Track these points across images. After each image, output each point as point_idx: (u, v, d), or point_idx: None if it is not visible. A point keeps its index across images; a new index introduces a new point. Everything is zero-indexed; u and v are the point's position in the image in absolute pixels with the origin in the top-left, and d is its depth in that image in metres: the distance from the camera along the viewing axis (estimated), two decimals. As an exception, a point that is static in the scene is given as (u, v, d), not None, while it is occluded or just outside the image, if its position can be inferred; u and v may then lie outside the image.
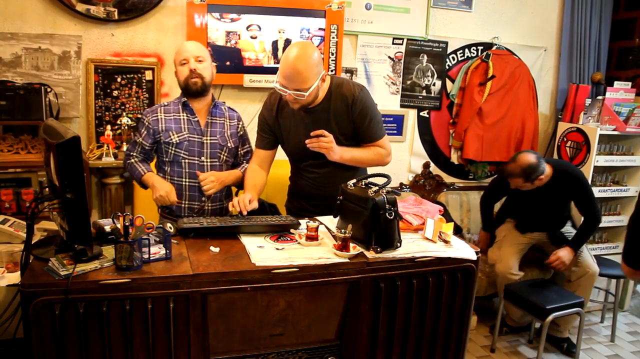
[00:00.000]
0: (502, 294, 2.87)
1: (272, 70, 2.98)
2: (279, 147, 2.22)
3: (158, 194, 2.06)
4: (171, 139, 2.13)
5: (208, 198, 2.16)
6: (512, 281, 2.87)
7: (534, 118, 3.59)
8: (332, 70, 3.13)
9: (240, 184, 2.23)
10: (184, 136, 2.13)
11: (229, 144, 2.21)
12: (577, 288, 2.89)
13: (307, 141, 1.97)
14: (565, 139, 3.46)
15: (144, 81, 2.91)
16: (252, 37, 2.95)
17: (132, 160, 2.20)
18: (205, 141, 2.16)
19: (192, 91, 2.11)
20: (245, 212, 1.90)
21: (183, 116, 2.16)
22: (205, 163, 2.16)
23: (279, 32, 2.97)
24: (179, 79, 2.14)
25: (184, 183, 2.17)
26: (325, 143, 1.95)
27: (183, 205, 2.18)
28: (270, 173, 2.25)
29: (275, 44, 2.99)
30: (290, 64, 1.85)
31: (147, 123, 2.15)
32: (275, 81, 1.93)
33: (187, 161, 2.15)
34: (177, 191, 2.16)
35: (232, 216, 1.93)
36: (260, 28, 2.95)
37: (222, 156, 2.19)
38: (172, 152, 2.14)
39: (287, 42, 2.99)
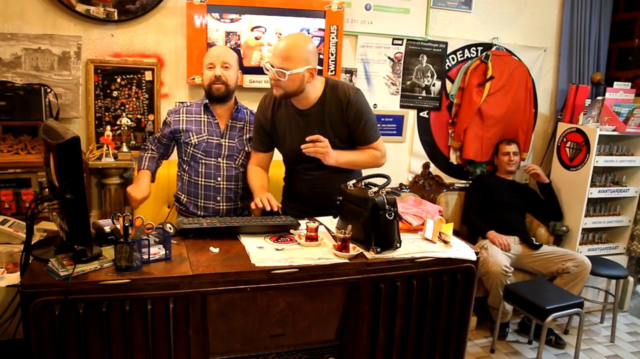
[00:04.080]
0: (499, 293, 2.86)
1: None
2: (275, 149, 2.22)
3: (129, 190, 2.10)
4: (190, 140, 2.18)
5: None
6: (506, 279, 2.87)
7: (531, 118, 3.60)
8: (331, 71, 3.13)
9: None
10: (203, 137, 2.19)
11: (246, 148, 2.25)
12: (574, 278, 2.95)
13: (302, 146, 1.97)
14: (565, 140, 3.46)
15: (144, 82, 2.91)
16: (256, 38, 2.95)
17: (145, 153, 2.28)
18: (223, 143, 2.21)
19: (214, 96, 2.16)
20: (275, 208, 1.92)
21: (204, 117, 2.21)
22: (221, 164, 2.21)
23: (277, 35, 2.98)
24: (204, 82, 2.18)
25: (200, 182, 2.22)
26: (321, 148, 1.95)
27: (199, 204, 2.23)
28: (270, 174, 2.26)
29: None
30: (281, 40, 1.93)
31: (168, 121, 2.23)
32: (266, 60, 1.95)
33: (204, 161, 2.20)
34: (193, 190, 2.24)
35: (234, 217, 1.94)
36: (266, 30, 2.95)
37: (238, 159, 2.24)
38: (191, 152, 2.20)
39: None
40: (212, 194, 2.22)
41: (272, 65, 1.91)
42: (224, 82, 2.12)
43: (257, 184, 2.11)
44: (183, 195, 2.28)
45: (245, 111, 2.28)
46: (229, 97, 2.19)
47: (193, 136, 2.18)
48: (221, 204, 2.23)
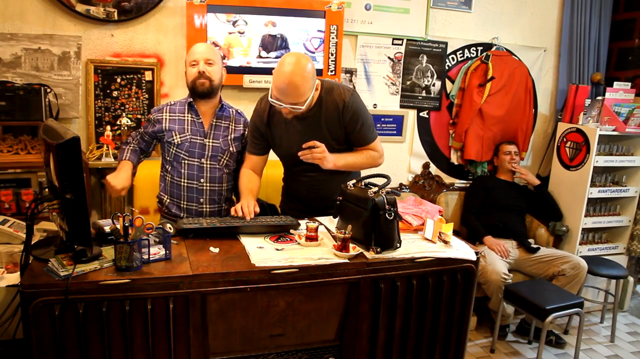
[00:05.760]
0: (499, 298, 2.86)
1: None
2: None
3: (109, 179, 1.99)
4: (173, 139, 2.13)
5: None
6: (506, 284, 2.86)
7: (530, 118, 3.60)
8: (331, 71, 3.13)
9: None
10: (186, 137, 2.14)
11: (231, 149, 2.20)
12: (570, 280, 2.94)
13: (299, 153, 1.96)
14: (565, 140, 3.46)
15: (144, 82, 2.91)
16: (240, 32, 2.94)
17: (127, 146, 2.20)
18: (207, 143, 2.16)
19: (199, 91, 2.10)
20: (248, 218, 1.89)
21: (188, 116, 2.16)
22: (204, 165, 2.16)
23: (278, 39, 2.98)
24: (187, 80, 2.13)
25: (182, 183, 2.17)
26: (318, 154, 1.94)
27: (182, 206, 2.19)
28: (270, 174, 2.25)
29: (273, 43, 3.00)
30: (286, 79, 1.83)
31: (152, 120, 2.18)
32: (270, 95, 1.91)
33: (186, 161, 2.15)
34: (176, 192, 2.18)
35: (234, 217, 1.93)
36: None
37: (222, 159, 2.19)
38: (173, 152, 2.15)
39: (283, 41, 3.01)
40: (195, 196, 2.17)
41: (282, 102, 1.88)
42: (208, 78, 2.08)
43: (246, 188, 2.08)
44: (166, 196, 2.22)
45: (230, 110, 2.23)
46: (214, 94, 2.14)
47: (176, 135, 2.13)
48: (204, 206, 2.19)
